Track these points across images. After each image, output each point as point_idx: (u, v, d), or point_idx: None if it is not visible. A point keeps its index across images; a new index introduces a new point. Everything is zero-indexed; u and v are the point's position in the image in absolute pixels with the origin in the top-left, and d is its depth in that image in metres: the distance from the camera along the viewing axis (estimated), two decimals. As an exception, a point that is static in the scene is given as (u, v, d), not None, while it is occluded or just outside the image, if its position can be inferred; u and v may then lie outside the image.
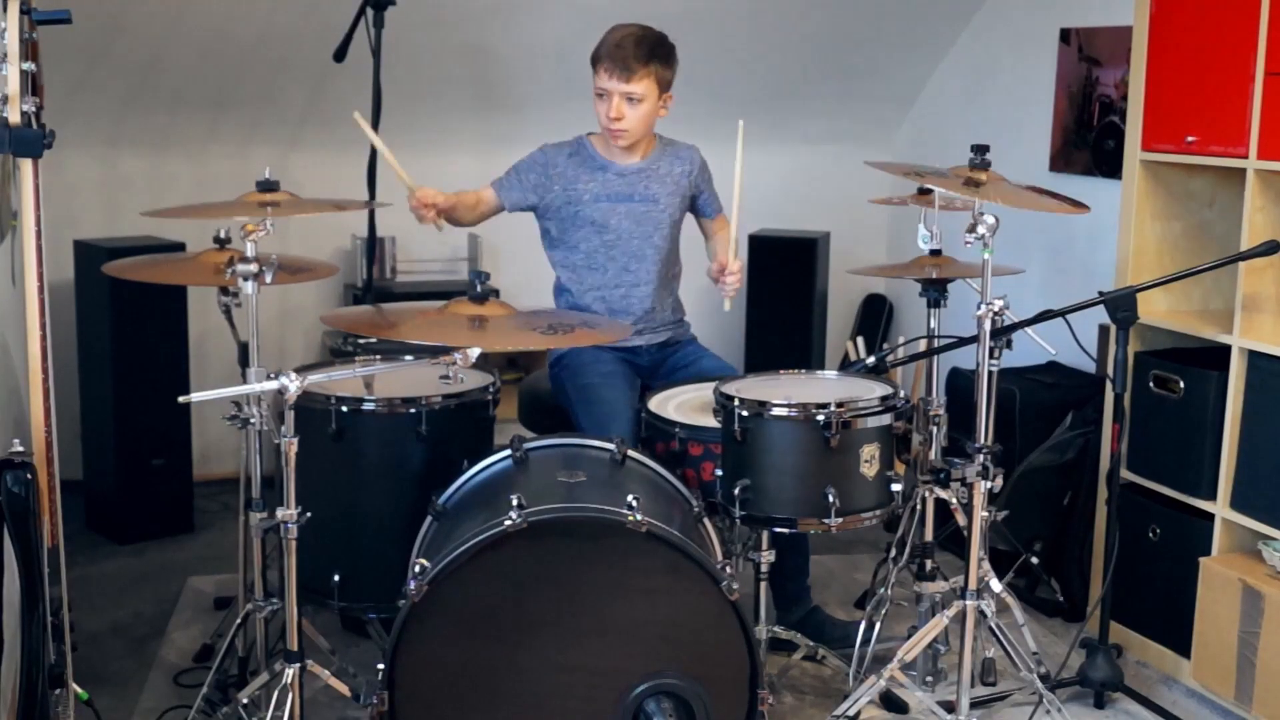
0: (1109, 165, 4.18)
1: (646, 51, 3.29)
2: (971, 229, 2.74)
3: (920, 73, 5.15)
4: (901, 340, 3.49)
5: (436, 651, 2.51)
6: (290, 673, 2.55)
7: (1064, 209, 2.99)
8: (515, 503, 2.47)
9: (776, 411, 2.83)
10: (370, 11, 3.83)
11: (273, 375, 2.40)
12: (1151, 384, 3.39)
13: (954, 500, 3.15)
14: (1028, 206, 2.91)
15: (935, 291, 3.33)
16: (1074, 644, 3.32)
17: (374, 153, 3.87)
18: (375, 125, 3.86)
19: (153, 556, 4.11)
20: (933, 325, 3.34)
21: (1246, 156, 3.12)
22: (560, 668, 2.52)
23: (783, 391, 2.97)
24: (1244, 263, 3.13)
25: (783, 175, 5.28)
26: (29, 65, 2.24)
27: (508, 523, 2.45)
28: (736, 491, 2.85)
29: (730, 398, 2.87)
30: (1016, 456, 3.71)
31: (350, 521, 2.97)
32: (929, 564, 3.31)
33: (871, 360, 3.24)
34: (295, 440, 2.45)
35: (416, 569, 2.56)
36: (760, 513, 2.87)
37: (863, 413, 2.84)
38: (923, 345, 3.33)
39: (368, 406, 2.93)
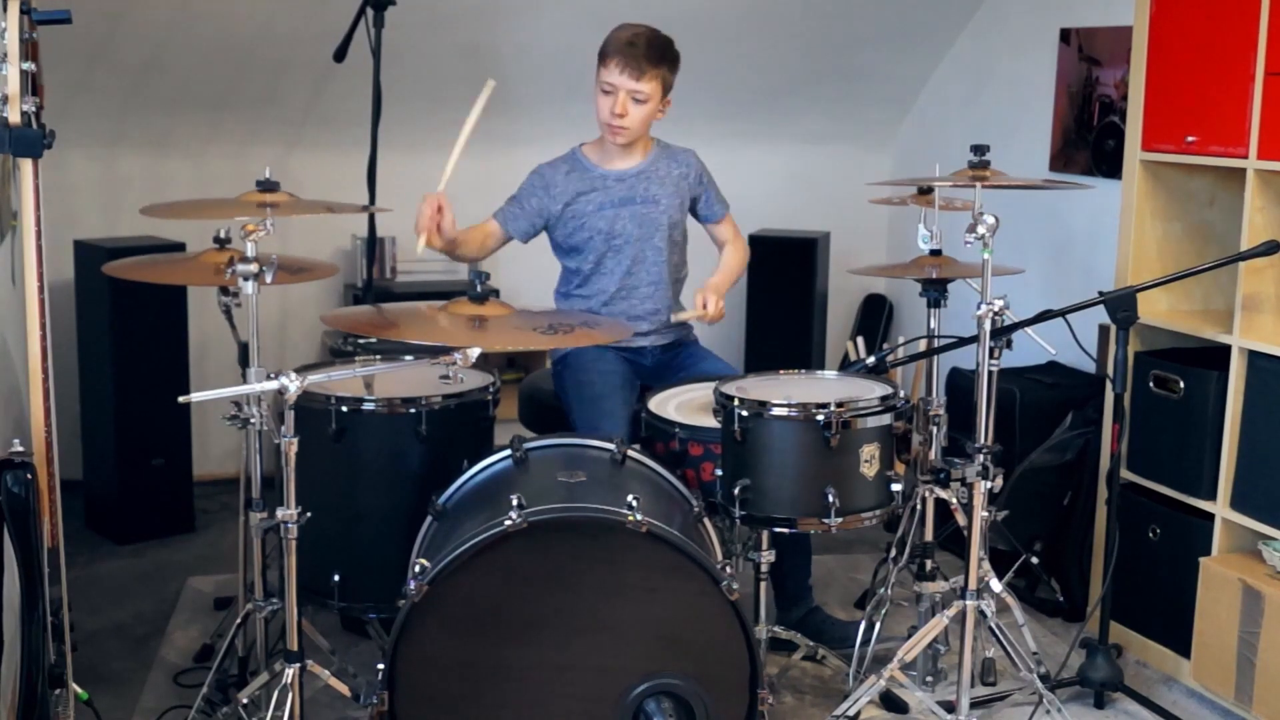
0: (1109, 165, 4.18)
1: (658, 53, 3.31)
2: (971, 229, 2.75)
3: (920, 73, 5.15)
4: (901, 340, 3.48)
5: (436, 651, 2.51)
6: (290, 673, 2.55)
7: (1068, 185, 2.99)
8: (515, 503, 2.47)
9: (776, 411, 2.83)
10: (370, 11, 3.83)
11: (273, 375, 2.40)
12: (1151, 384, 3.39)
13: (954, 500, 3.15)
14: (1033, 186, 2.90)
15: (935, 291, 3.32)
16: (1074, 644, 3.33)
17: (374, 154, 3.87)
18: (375, 125, 3.86)
19: (153, 556, 4.11)
20: (933, 325, 3.34)
21: (1246, 156, 3.12)
22: (560, 668, 2.52)
23: (783, 391, 2.97)
24: (1244, 263, 3.13)
25: (783, 175, 5.28)
26: (29, 65, 2.24)
27: (508, 523, 2.45)
28: (736, 491, 2.85)
29: (730, 398, 2.87)
30: (1016, 456, 3.71)
31: (350, 521, 2.97)
32: (929, 564, 3.31)
33: (871, 360, 3.23)
34: (295, 440, 2.45)
35: (416, 569, 2.56)
36: (760, 513, 2.87)
37: (863, 413, 2.84)
38: (923, 345, 3.33)
39: (368, 406, 2.93)
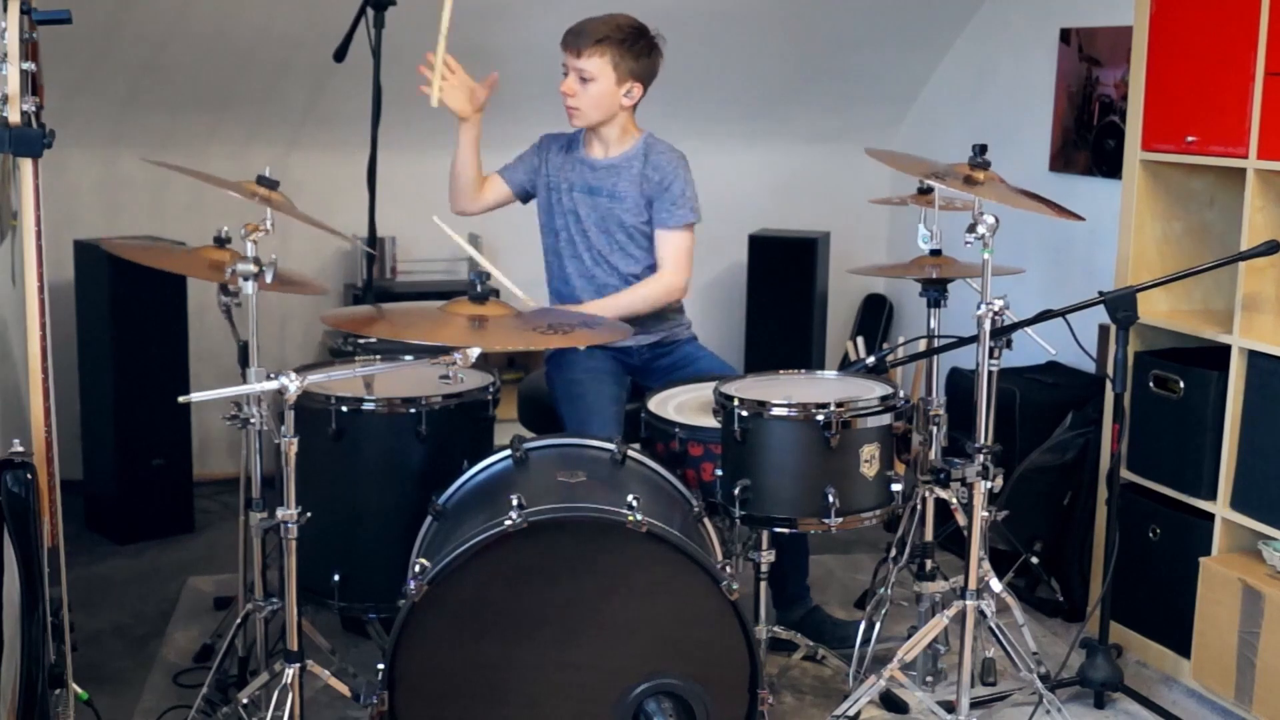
0: (1109, 165, 4.18)
1: (604, 32, 3.31)
2: (971, 229, 2.75)
3: (920, 73, 5.15)
4: (901, 340, 3.48)
5: (436, 651, 2.51)
6: (290, 673, 2.55)
7: (1060, 214, 2.99)
8: (515, 503, 2.47)
9: (776, 411, 2.83)
10: (370, 12, 3.83)
11: (273, 375, 2.40)
12: (1151, 384, 3.39)
13: (954, 500, 3.15)
14: (1026, 208, 2.92)
15: (935, 291, 3.32)
16: (1074, 644, 3.32)
17: (374, 154, 3.87)
18: (375, 125, 3.86)
19: (153, 556, 4.11)
20: (933, 325, 3.34)
21: (1246, 156, 3.12)
22: (560, 667, 2.52)
23: (783, 391, 2.97)
24: (1244, 263, 3.13)
25: (783, 175, 5.28)
26: (29, 65, 2.24)
27: (508, 523, 2.45)
28: (736, 491, 2.85)
29: (730, 398, 2.87)
30: (1016, 456, 3.71)
31: (350, 521, 2.97)
32: (929, 564, 3.31)
33: (871, 360, 3.23)
34: (295, 440, 2.45)
35: (416, 569, 2.56)
36: (760, 513, 2.87)
37: (863, 413, 2.84)
38: (923, 345, 3.33)
39: (368, 406, 2.93)
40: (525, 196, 3.55)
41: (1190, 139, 3.28)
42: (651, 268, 3.44)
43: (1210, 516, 3.24)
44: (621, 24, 3.35)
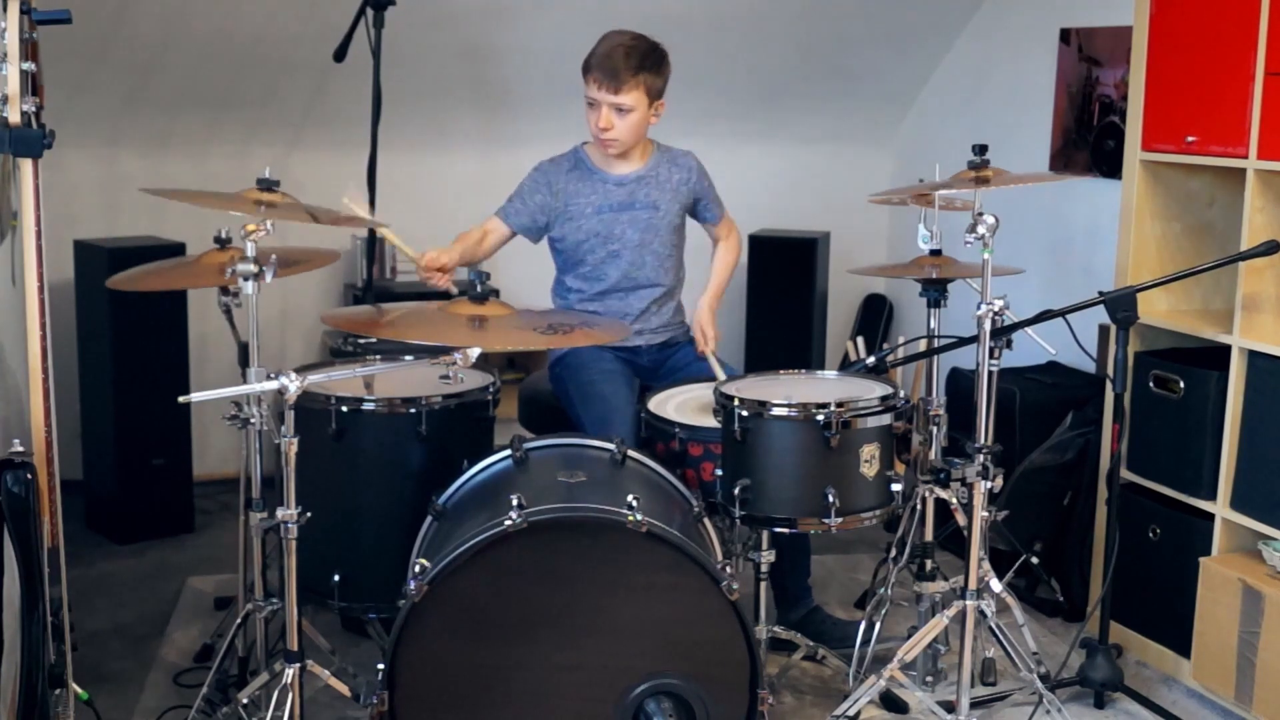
0: (1109, 165, 4.18)
1: (636, 63, 3.29)
2: (971, 229, 2.75)
3: (920, 73, 5.15)
4: (901, 340, 3.48)
5: (436, 651, 2.51)
6: (290, 673, 2.55)
7: (1068, 176, 3.00)
8: (515, 503, 2.47)
9: (776, 411, 2.83)
10: (370, 11, 3.83)
11: (273, 375, 2.40)
12: (1151, 384, 3.39)
13: (954, 500, 3.15)
14: (1034, 181, 2.90)
15: (935, 291, 3.32)
16: (1074, 644, 3.32)
17: (374, 154, 3.87)
18: (375, 125, 3.86)
19: (153, 556, 4.11)
20: (933, 325, 3.34)
21: (1246, 156, 3.12)
22: (560, 667, 2.52)
23: (783, 391, 2.97)
24: (1244, 263, 3.13)
25: (783, 175, 5.28)
26: (29, 65, 2.24)
27: (508, 523, 2.45)
28: (736, 491, 2.85)
29: (730, 398, 2.87)
30: (1016, 456, 3.71)
31: (350, 521, 2.97)
32: (929, 564, 3.32)
33: (871, 360, 3.23)
34: (295, 440, 2.45)
35: (416, 569, 2.56)
36: (760, 513, 2.87)
37: (863, 413, 2.84)
38: (923, 345, 3.33)
39: (368, 406, 2.93)
40: (532, 235, 3.49)
41: (1190, 139, 3.28)
42: (679, 268, 3.57)
43: (1210, 516, 3.24)
44: (643, 49, 3.33)
